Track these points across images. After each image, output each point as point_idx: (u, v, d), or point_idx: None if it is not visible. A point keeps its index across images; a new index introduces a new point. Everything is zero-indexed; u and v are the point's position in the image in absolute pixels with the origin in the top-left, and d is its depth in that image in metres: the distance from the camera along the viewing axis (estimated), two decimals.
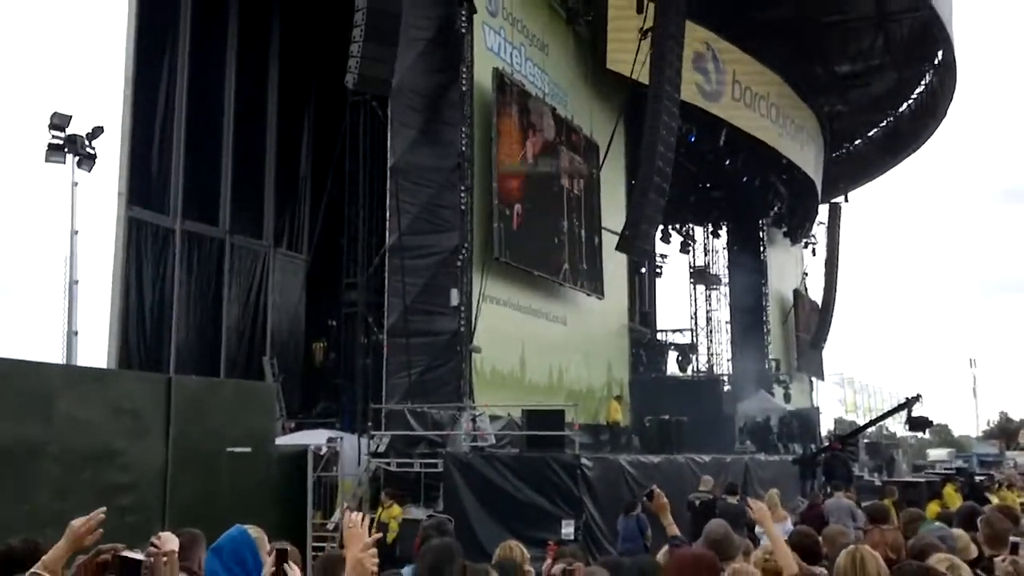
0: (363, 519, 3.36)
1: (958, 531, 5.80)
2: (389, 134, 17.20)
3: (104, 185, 18.69)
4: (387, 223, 17.18)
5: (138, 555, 2.15)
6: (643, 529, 12.08)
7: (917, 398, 22.52)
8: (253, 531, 4.00)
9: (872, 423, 28.09)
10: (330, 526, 13.67)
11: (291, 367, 22.18)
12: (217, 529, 4.39)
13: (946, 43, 28.72)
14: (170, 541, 4.03)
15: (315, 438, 15.16)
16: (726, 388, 28.25)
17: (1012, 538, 4.99)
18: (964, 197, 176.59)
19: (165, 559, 2.16)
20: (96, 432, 9.78)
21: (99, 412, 9.89)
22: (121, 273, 18.24)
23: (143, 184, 19.07)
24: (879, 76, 31.09)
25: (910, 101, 33.22)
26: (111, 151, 18.16)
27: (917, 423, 23.04)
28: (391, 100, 17.08)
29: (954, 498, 14.98)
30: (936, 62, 30.33)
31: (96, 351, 18.10)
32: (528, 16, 20.80)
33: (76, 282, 15.18)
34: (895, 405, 26.06)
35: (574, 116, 21.90)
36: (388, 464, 14.72)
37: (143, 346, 18.55)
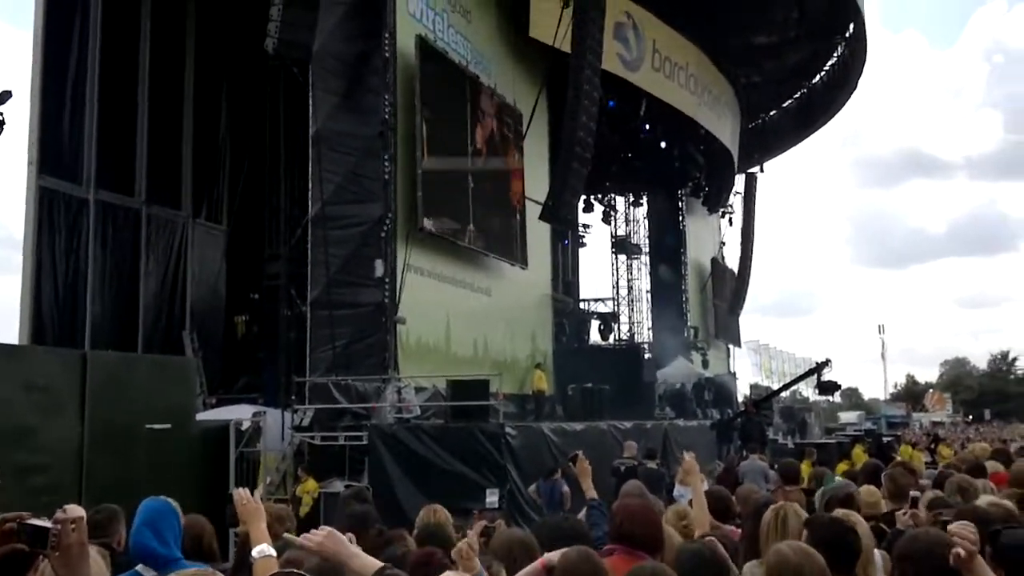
0: (252, 493, 3.38)
1: (868, 487, 6.09)
2: (311, 101, 16.87)
3: (13, 153, 18.00)
4: (309, 193, 16.95)
5: (45, 522, 2.14)
6: (561, 493, 12.32)
7: (826, 363, 23.39)
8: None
9: (784, 388, 28.98)
10: None
11: (212, 341, 21.77)
12: (136, 508, 4.37)
13: (857, 15, 29.43)
14: (76, 510, 4.00)
15: (238, 413, 15.00)
16: (647, 356, 28.77)
17: (912, 492, 5.27)
18: (876, 167, 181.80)
19: (73, 525, 2.15)
20: (8, 410, 9.56)
21: (11, 389, 9.67)
22: (32, 245, 17.65)
23: (55, 152, 18.41)
24: (793, 48, 31.67)
25: (823, 73, 33.96)
26: (20, 117, 17.50)
27: (826, 387, 23.93)
28: (312, 66, 16.78)
29: (862, 458, 15.62)
30: (847, 35, 31.05)
31: (7, 326, 17.57)
32: None
33: None
34: (806, 370, 27.00)
35: (497, 85, 21.85)
36: (312, 438, 14.65)
37: (57, 321, 17.99)
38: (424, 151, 18.14)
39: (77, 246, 18.87)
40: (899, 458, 14.29)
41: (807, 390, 38.42)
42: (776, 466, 11.82)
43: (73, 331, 18.41)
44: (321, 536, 2.90)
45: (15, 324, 17.58)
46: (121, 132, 20.29)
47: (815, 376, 23.83)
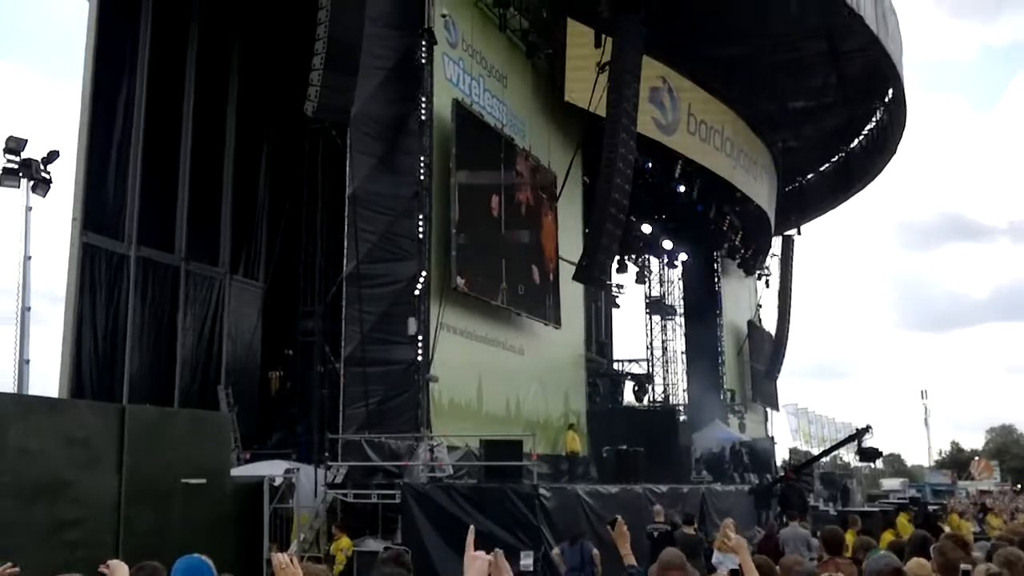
0: (292, 559, 3.36)
1: (918, 560, 5.90)
2: (348, 162, 17.17)
3: (58, 210, 18.41)
4: (345, 251, 17.12)
5: None
6: (588, 558, 12.15)
7: (867, 429, 22.98)
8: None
9: (825, 453, 28.44)
10: None
11: (246, 396, 21.88)
12: (171, 564, 4.35)
13: (896, 80, 29.44)
14: (119, 569, 3.99)
15: (271, 469, 14.97)
16: (682, 418, 28.45)
17: (963, 566, 5.09)
18: (917, 231, 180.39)
19: None
20: (48, 463, 9.61)
21: (51, 443, 9.72)
22: (74, 300, 17.94)
23: (98, 209, 18.82)
24: (831, 112, 31.74)
25: (861, 137, 33.94)
26: (66, 176, 17.95)
27: (867, 454, 23.47)
28: (350, 128, 17.09)
29: (907, 527, 15.21)
30: (887, 99, 31.07)
31: (48, 380, 17.78)
32: (488, 48, 20.99)
33: (28, 309, 14.86)
34: (846, 436, 26.50)
35: (532, 147, 22.08)
36: (345, 495, 14.57)
37: (95, 375, 18.20)
38: (458, 211, 18.30)
39: (117, 301, 19.15)
40: (948, 529, 13.91)
41: (848, 456, 37.64)
42: (819, 533, 11.55)
43: (112, 385, 18.60)
44: None
45: (55, 378, 17.82)
46: (163, 190, 20.73)
47: (856, 442, 23.38)
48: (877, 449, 23.77)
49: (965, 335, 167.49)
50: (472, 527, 3.81)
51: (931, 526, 13.53)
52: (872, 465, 31.73)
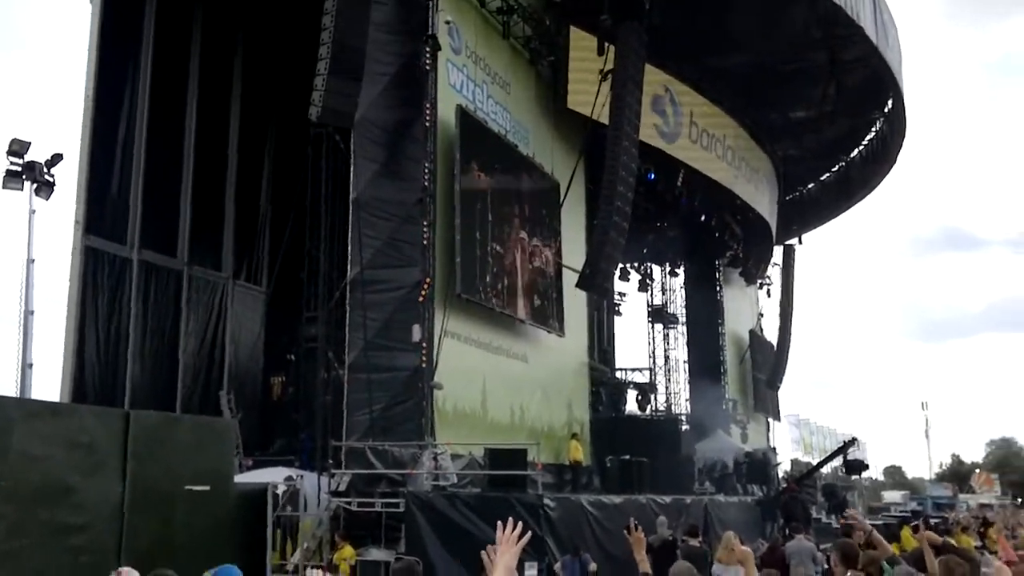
0: (289, 557, 3.32)
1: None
2: (352, 167, 17.14)
3: (61, 213, 18.34)
4: (348, 256, 17.07)
5: None
6: (585, 570, 12.12)
7: (852, 442, 23.00)
8: None
9: (819, 466, 28.34)
10: (289, 567, 13.37)
11: (248, 402, 21.79)
12: (175, 570, 4.27)
13: (896, 92, 29.52)
14: (132, 573, 3.93)
15: (273, 476, 14.88)
16: (684, 428, 28.32)
17: None
18: (915, 240, 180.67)
19: None
20: (51, 468, 9.50)
21: (54, 447, 9.62)
22: (76, 303, 17.88)
23: (101, 213, 18.79)
24: (832, 123, 31.71)
25: (861, 147, 33.98)
26: (69, 179, 17.89)
27: (852, 466, 23.46)
28: (354, 133, 17.09)
29: (911, 541, 15.08)
30: (886, 110, 31.12)
31: (50, 383, 17.68)
32: (491, 55, 20.97)
33: (32, 312, 14.76)
34: (834, 449, 26.43)
35: (535, 154, 22.05)
36: (349, 503, 14.47)
37: (97, 379, 18.12)
38: (462, 217, 18.25)
39: (119, 305, 19.09)
40: (952, 543, 13.79)
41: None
42: (826, 546, 11.44)
43: (113, 389, 18.53)
44: None
45: (57, 381, 17.72)
46: (166, 194, 20.70)
47: (841, 455, 23.37)
48: (862, 461, 23.85)
49: (961, 346, 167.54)
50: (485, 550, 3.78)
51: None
52: (873, 477, 31.72)
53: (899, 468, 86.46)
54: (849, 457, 22.94)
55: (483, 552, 3.65)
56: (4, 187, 15.18)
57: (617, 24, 20.46)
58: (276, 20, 22.41)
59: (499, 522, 3.34)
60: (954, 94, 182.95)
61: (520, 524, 3.27)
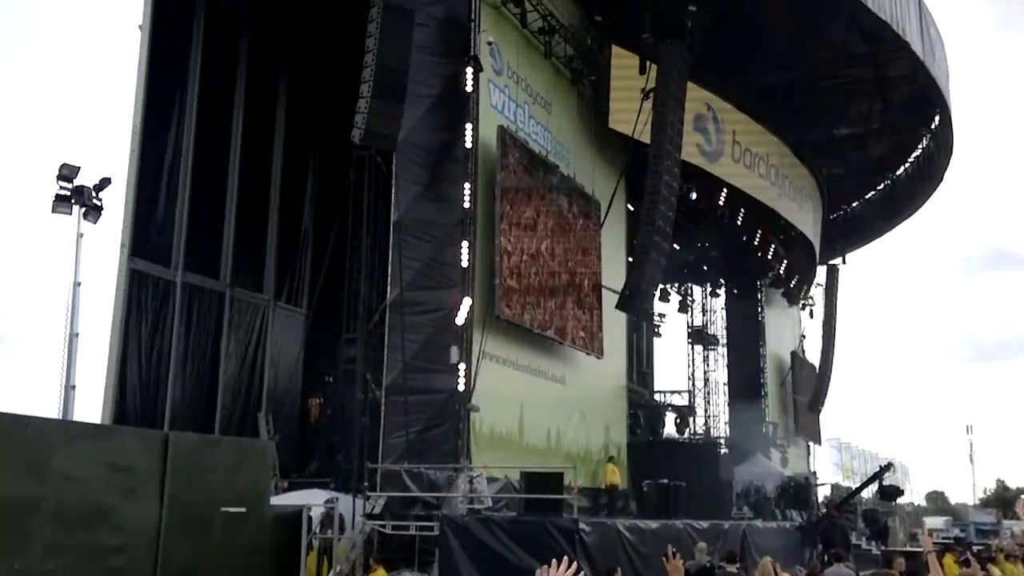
0: None
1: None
2: (393, 189, 17.23)
3: (107, 236, 18.65)
4: (388, 278, 17.14)
5: None
6: None
7: (888, 467, 22.55)
8: None
9: (856, 492, 27.79)
10: None
11: (286, 424, 21.91)
12: None
13: (943, 108, 29.09)
14: None
15: (309, 498, 14.90)
16: (723, 452, 27.98)
17: None
18: (961, 260, 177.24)
19: None
20: (91, 489, 9.61)
21: (95, 469, 9.74)
22: (120, 326, 18.11)
23: (146, 236, 19.07)
24: (877, 140, 31.41)
25: (907, 165, 33.50)
26: (116, 203, 18.18)
27: (888, 492, 22.99)
28: (396, 155, 17.19)
29: (954, 569, 14.71)
30: (933, 127, 30.66)
31: (93, 405, 17.91)
32: (532, 75, 21.03)
33: (76, 335, 15.02)
34: (871, 475, 25.87)
35: (576, 174, 22.02)
36: (384, 526, 14.47)
37: (138, 401, 18.33)
38: (503, 239, 18.28)
39: (162, 328, 19.32)
40: (997, 572, 13.44)
41: None
42: (865, 574, 11.20)
43: (154, 410, 18.73)
44: None
45: (99, 403, 17.96)
46: (210, 217, 20.96)
47: (877, 481, 22.91)
48: (897, 487, 23.41)
49: (1008, 368, 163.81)
50: None
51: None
52: (914, 503, 31.13)
53: (942, 493, 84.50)
54: (885, 483, 22.48)
55: None
56: (53, 211, 15.51)
57: (659, 43, 20.45)
58: (320, 44, 22.69)
59: (553, 560, 3.31)
60: (1003, 105, 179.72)
61: (575, 564, 3.21)
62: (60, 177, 15.56)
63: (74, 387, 14.68)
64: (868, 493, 29.71)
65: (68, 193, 15.52)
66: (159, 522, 10.21)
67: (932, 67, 26.45)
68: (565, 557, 3.28)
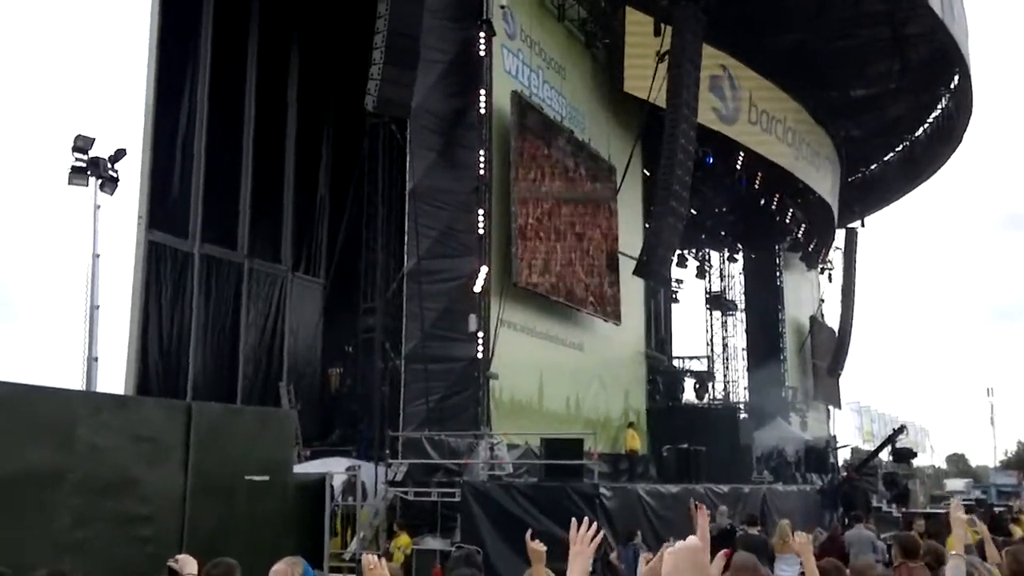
0: (380, 559, 3.33)
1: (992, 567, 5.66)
2: (408, 157, 17.18)
3: (125, 208, 18.71)
4: (405, 247, 17.12)
5: None
6: (634, 558, 11.98)
7: (901, 430, 22.51)
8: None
9: (873, 455, 27.72)
10: (347, 556, 13.52)
11: (307, 393, 22.06)
12: (235, 558, 4.29)
13: (962, 67, 28.62)
14: (188, 563, 3.98)
15: (332, 466, 15.01)
16: (743, 416, 27.97)
17: None
18: (980, 222, 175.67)
19: None
20: (116, 460, 9.66)
21: (120, 439, 9.78)
22: (140, 297, 18.23)
23: (163, 207, 19.13)
24: (895, 100, 30.98)
25: (926, 125, 33.05)
26: (132, 175, 18.22)
27: (901, 455, 22.95)
28: (410, 123, 17.11)
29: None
30: (952, 86, 30.22)
31: (115, 376, 18.06)
32: (546, 39, 20.83)
33: (97, 307, 15.09)
34: (885, 438, 25.80)
35: (591, 139, 21.87)
36: (406, 493, 14.58)
37: (161, 372, 18.50)
38: (519, 206, 18.19)
39: (182, 299, 19.43)
40: (1019, 531, 13.44)
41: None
42: (886, 535, 11.19)
43: (176, 381, 18.89)
44: None
45: (122, 374, 18.10)
46: (226, 188, 20.98)
47: (890, 444, 22.87)
48: (911, 450, 23.35)
49: None
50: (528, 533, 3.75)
51: (1000, 528, 13.08)
52: (935, 465, 31.10)
53: (962, 456, 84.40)
54: (897, 445, 22.44)
55: (527, 535, 3.61)
56: (70, 183, 15.51)
57: (673, 4, 20.20)
58: (332, 11, 22.51)
59: (573, 519, 3.29)
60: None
61: (595, 524, 3.19)
62: (75, 149, 15.54)
63: (96, 359, 14.77)
64: (886, 456, 29.69)
65: (84, 165, 15.51)
66: (184, 491, 10.26)
67: (951, 25, 26.00)
68: (585, 518, 3.26)
